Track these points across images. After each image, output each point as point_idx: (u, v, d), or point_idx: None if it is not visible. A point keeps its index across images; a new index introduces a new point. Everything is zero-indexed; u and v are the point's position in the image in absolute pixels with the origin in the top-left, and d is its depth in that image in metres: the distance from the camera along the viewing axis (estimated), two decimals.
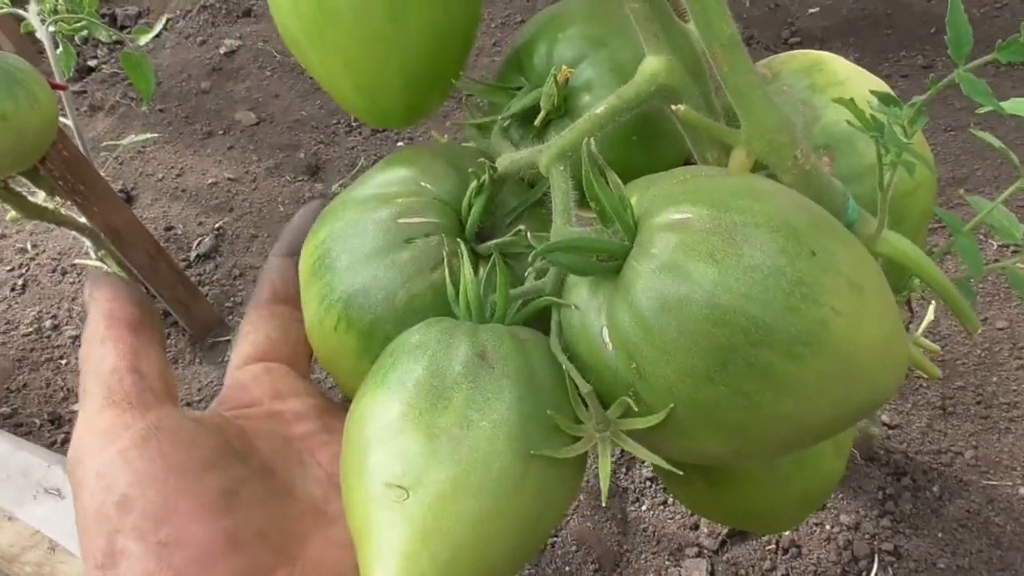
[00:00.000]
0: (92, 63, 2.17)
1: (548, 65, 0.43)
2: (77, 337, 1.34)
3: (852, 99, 0.38)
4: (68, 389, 1.26)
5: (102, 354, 0.32)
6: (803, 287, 0.28)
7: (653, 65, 0.38)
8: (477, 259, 0.40)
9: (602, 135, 0.39)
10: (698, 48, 0.39)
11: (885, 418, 1.00)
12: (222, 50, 2.03)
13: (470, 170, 0.40)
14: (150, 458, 0.29)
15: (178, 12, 2.25)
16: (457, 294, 0.35)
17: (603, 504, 0.32)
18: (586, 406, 0.31)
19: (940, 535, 0.90)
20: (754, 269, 0.28)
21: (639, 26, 0.38)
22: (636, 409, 0.30)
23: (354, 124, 1.74)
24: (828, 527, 0.92)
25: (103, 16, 2.35)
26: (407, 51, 0.41)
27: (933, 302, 0.84)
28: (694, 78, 0.40)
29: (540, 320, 0.35)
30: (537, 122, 0.44)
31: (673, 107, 0.38)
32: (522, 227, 0.40)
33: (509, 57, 0.46)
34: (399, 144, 1.67)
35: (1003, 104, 0.56)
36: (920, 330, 0.77)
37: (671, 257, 0.29)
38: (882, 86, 0.51)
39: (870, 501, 0.93)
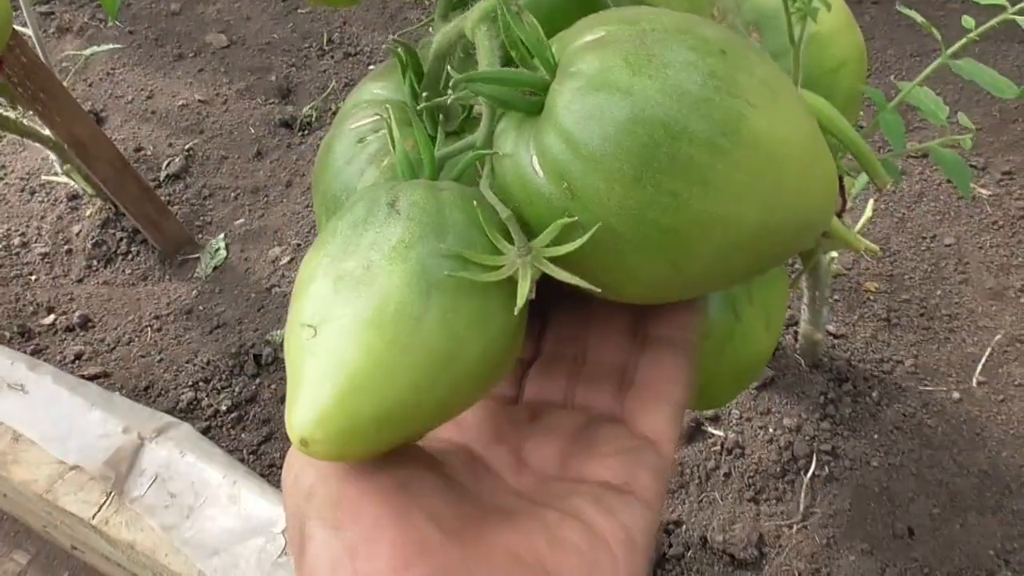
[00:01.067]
0: None
1: None
2: (46, 254, 1.36)
3: None
4: (37, 304, 1.27)
5: None
6: (715, 79, 0.29)
7: None
8: (432, 140, 0.43)
9: (530, 2, 0.41)
10: None
11: (831, 328, 1.03)
12: None
13: (385, 48, 0.42)
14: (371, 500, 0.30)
15: None
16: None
17: (515, 313, 0.33)
18: (509, 240, 0.32)
19: (876, 436, 0.94)
20: (666, 66, 0.29)
21: None
22: (570, 236, 0.30)
23: (326, 48, 1.74)
24: (771, 429, 0.96)
25: None
26: None
27: (872, 200, 0.86)
28: None
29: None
30: None
31: None
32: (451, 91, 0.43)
33: None
34: (370, 68, 1.67)
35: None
36: (858, 227, 0.79)
37: (589, 71, 0.30)
38: None
39: (812, 405, 0.97)
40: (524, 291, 0.31)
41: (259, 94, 1.64)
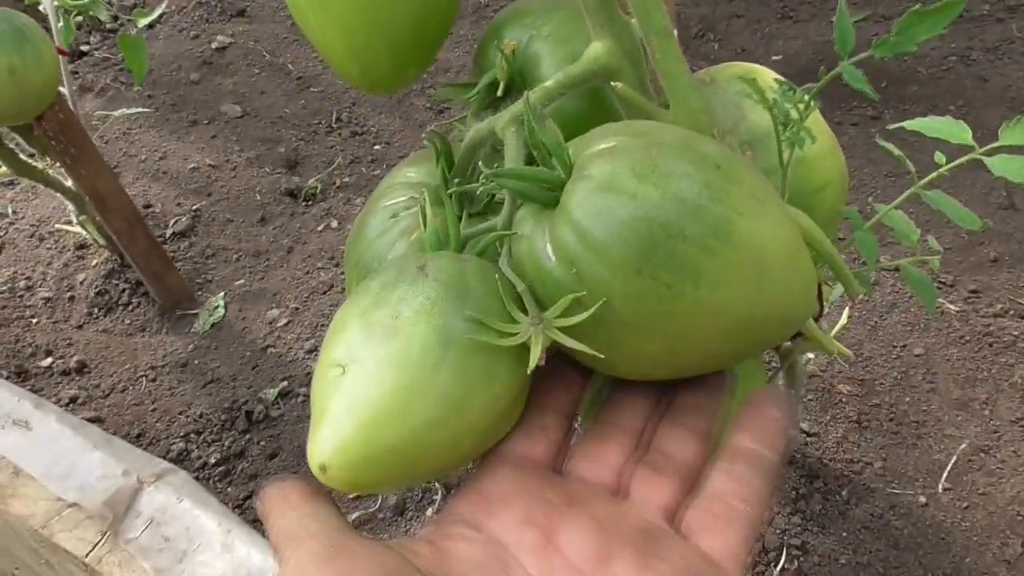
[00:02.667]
0: (84, 48, 2.22)
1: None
2: (49, 299, 1.39)
3: (754, 79, 0.46)
4: (36, 346, 1.30)
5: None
6: (710, 189, 0.34)
7: (597, 48, 0.46)
8: (458, 219, 0.49)
9: (554, 109, 0.47)
10: (637, 39, 0.47)
11: (805, 426, 1.08)
12: (214, 45, 2.09)
13: (423, 138, 0.49)
14: (326, 563, 0.30)
15: (174, 7, 2.31)
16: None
17: (528, 373, 0.37)
18: (523, 310, 0.36)
19: (845, 534, 0.97)
20: (667, 176, 0.34)
21: (588, 16, 0.45)
22: (576, 311, 0.34)
23: (334, 125, 1.81)
24: None
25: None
26: (395, 22, 0.49)
27: (847, 308, 0.92)
28: (632, 64, 0.47)
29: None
30: (499, 92, 0.53)
31: (612, 84, 0.46)
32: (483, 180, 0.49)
33: (475, 57, 0.54)
34: (376, 147, 1.74)
35: (907, 123, 0.64)
36: (833, 332, 0.85)
37: (600, 175, 0.35)
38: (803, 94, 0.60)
39: (784, 499, 1.00)
40: (536, 355, 0.35)
41: (267, 163, 1.71)
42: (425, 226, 0.43)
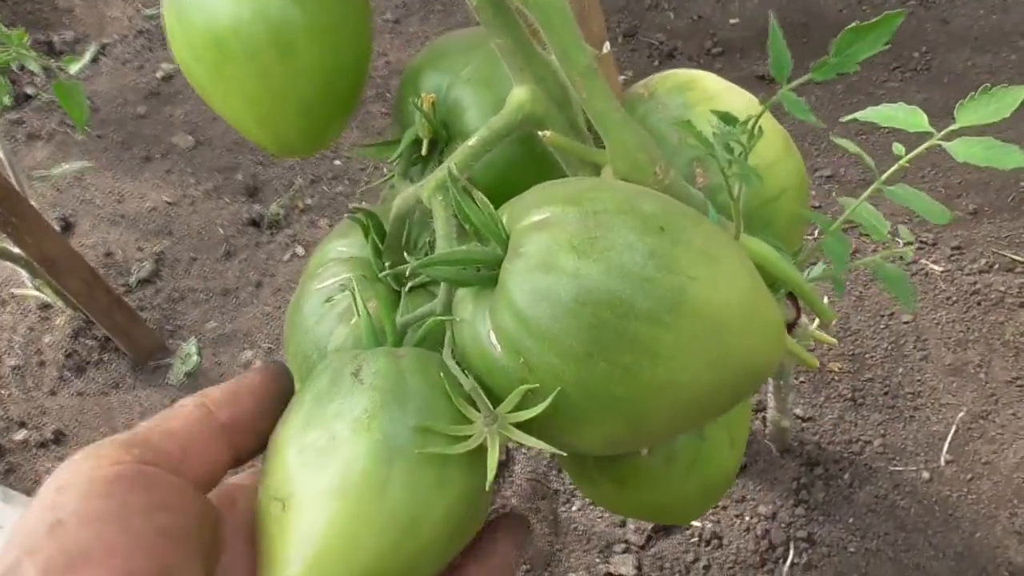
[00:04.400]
0: (30, 91, 2.16)
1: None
2: (17, 367, 1.35)
3: (689, 121, 0.43)
4: (9, 419, 1.26)
5: (183, 413, 0.33)
6: (656, 258, 0.31)
7: (520, 95, 0.42)
8: (397, 295, 0.45)
9: (485, 160, 0.43)
10: (562, 77, 0.43)
11: (799, 411, 1.05)
12: (159, 74, 2.03)
13: (346, 217, 0.45)
14: (109, 497, 0.28)
15: (115, 37, 2.25)
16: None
17: (487, 489, 0.34)
18: (475, 407, 0.33)
19: (851, 520, 0.95)
20: (608, 249, 0.31)
21: (505, 60, 0.42)
22: (530, 403, 0.32)
23: None
24: (747, 518, 0.97)
25: (40, 43, 2.34)
26: (300, 87, 0.45)
27: (826, 297, 0.89)
28: (559, 105, 0.44)
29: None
30: (424, 151, 0.49)
31: (540, 133, 0.42)
32: (413, 257, 0.45)
33: (394, 106, 0.51)
34: (336, 163, 1.70)
35: (859, 115, 0.61)
36: (816, 323, 0.82)
37: (536, 253, 0.32)
38: (751, 100, 0.56)
39: (785, 491, 0.98)
40: (494, 461, 0.32)
41: (226, 193, 1.66)
42: (359, 317, 0.40)
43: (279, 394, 0.36)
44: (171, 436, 0.32)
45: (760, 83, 1.58)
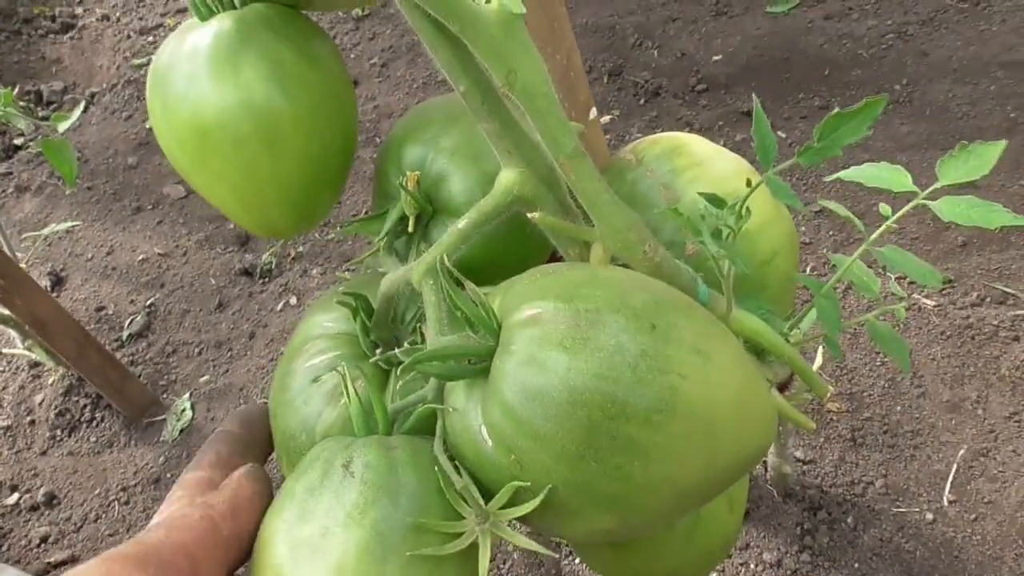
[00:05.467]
0: (18, 141, 2.16)
1: (401, 175, 0.47)
2: (8, 427, 1.34)
3: (675, 209, 0.43)
4: (0, 482, 1.25)
5: (189, 524, 0.34)
6: (647, 359, 0.31)
7: (508, 178, 0.42)
8: (387, 373, 0.44)
9: (475, 239, 0.43)
10: (549, 158, 0.43)
11: (799, 454, 1.05)
12: (148, 124, 2.04)
13: (335, 301, 0.44)
14: None
15: (104, 86, 2.26)
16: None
17: None
18: (466, 501, 0.33)
19: (856, 565, 0.94)
20: (600, 349, 0.31)
21: (492, 143, 0.42)
22: (521, 498, 0.32)
23: None
24: (752, 566, 0.96)
25: (28, 93, 2.34)
26: (285, 175, 0.45)
27: (821, 347, 0.89)
28: (548, 185, 0.43)
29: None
30: (411, 228, 0.49)
31: (529, 215, 0.42)
32: (410, 340, 0.45)
33: (375, 177, 0.50)
34: None
35: (843, 174, 0.61)
36: (815, 365, 0.82)
37: (528, 351, 0.31)
38: (739, 163, 0.56)
39: (790, 537, 0.97)
40: (485, 562, 0.32)
41: (218, 243, 1.66)
42: (350, 406, 0.39)
43: (268, 501, 0.36)
44: (180, 550, 0.32)
45: (746, 119, 1.59)
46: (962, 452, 1.01)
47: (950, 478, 0.99)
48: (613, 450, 0.30)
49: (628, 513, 0.32)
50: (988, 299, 1.15)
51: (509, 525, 0.33)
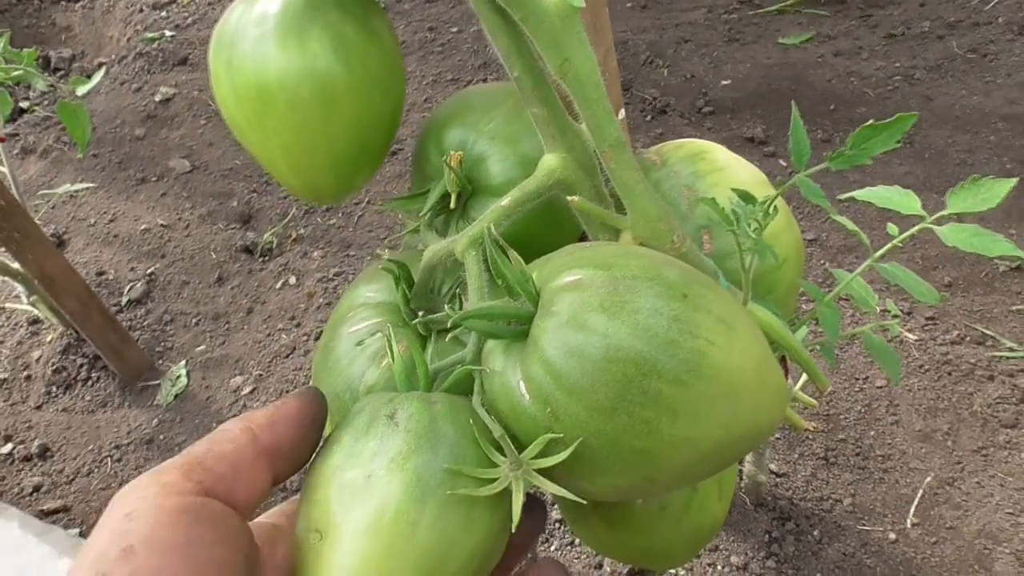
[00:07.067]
0: (24, 104, 2.18)
1: (443, 156, 0.51)
2: (4, 380, 1.35)
3: (714, 199, 0.47)
4: None
5: (231, 436, 0.35)
6: (679, 323, 0.34)
7: (551, 162, 0.45)
8: (425, 339, 0.48)
9: (514, 217, 0.47)
10: (590, 147, 0.46)
11: (774, 467, 1.09)
12: (157, 97, 2.06)
13: (380, 267, 0.47)
14: (176, 528, 0.30)
15: (113, 57, 2.28)
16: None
17: (511, 530, 0.36)
18: (500, 451, 0.36)
19: (819, 575, 0.98)
20: (636, 312, 0.34)
21: (539, 128, 0.45)
22: (553, 450, 0.34)
23: None
24: (719, 567, 0.99)
25: (36, 59, 2.36)
26: (335, 139, 0.49)
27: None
28: (586, 172, 0.47)
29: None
30: (452, 205, 0.52)
31: (568, 198, 0.46)
32: (449, 305, 0.48)
33: (414, 158, 0.54)
34: None
35: (857, 194, 0.65)
36: (798, 385, 0.86)
37: (569, 312, 0.35)
38: (757, 173, 0.60)
39: (757, 543, 1.01)
40: (518, 505, 0.35)
41: (220, 219, 1.69)
42: (394, 364, 0.42)
43: (315, 420, 0.39)
44: (223, 459, 0.34)
45: (748, 144, 1.63)
46: (929, 479, 1.05)
47: (915, 502, 1.03)
48: (644, 405, 0.33)
49: (651, 468, 0.35)
50: (968, 338, 1.20)
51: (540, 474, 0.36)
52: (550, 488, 0.35)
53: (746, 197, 0.44)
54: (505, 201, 0.45)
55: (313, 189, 0.52)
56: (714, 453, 0.36)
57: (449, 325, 0.39)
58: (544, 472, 0.35)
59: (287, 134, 0.48)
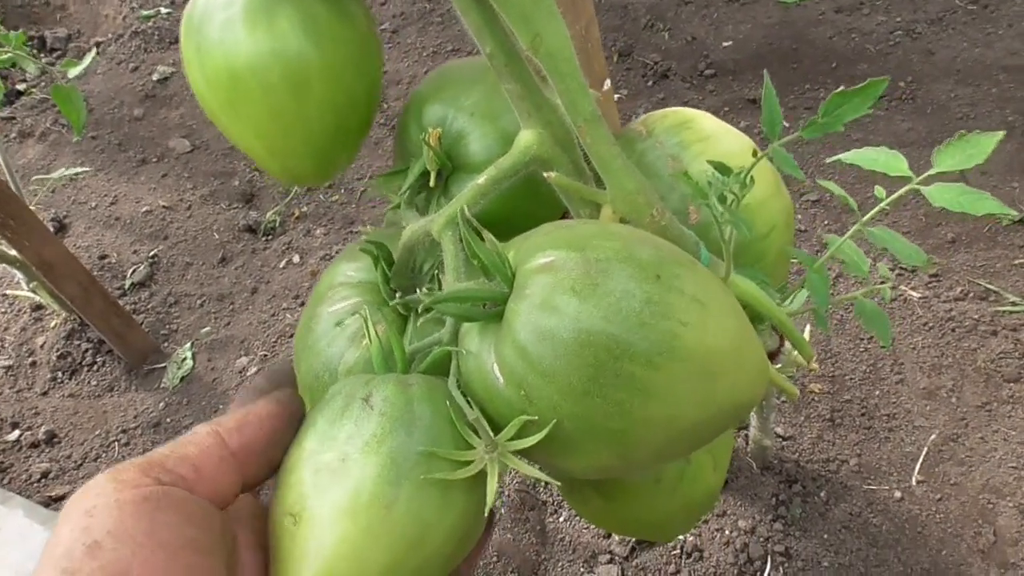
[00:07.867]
0: (21, 87, 2.17)
1: (423, 133, 0.50)
2: (10, 367, 1.36)
3: (686, 172, 0.46)
4: (1, 419, 1.28)
5: (196, 439, 0.35)
6: (651, 305, 0.33)
7: (527, 138, 0.45)
8: (405, 319, 0.48)
9: (492, 195, 0.46)
10: (567, 121, 0.46)
11: (780, 430, 1.09)
12: (155, 77, 2.05)
13: (359, 249, 0.47)
14: (139, 517, 0.30)
15: (109, 35, 2.26)
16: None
17: (486, 512, 0.36)
18: (476, 433, 0.35)
19: (825, 536, 0.99)
20: (608, 294, 0.33)
21: (514, 104, 0.44)
22: (528, 432, 0.34)
23: None
24: (727, 532, 1.00)
25: (31, 39, 2.35)
26: (310, 121, 0.48)
27: (808, 325, 0.93)
28: (564, 147, 0.46)
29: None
30: (432, 183, 0.52)
31: (545, 174, 0.45)
32: (427, 286, 0.48)
33: (396, 135, 0.53)
34: None
35: (844, 156, 0.64)
36: (794, 350, 0.85)
37: (541, 294, 0.34)
38: (744, 141, 0.59)
39: (764, 507, 1.01)
40: (494, 487, 0.35)
41: (223, 199, 1.68)
42: (371, 345, 0.42)
43: (289, 421, 0.38)
44: (184, 461, 0.34)
45: (751, 106, 1.61)
46: (933, 437, 1.05)
47: (920, 460, 1.03)
48: (616, 387, 0.33)
49: (626, 448, 0.35)
50: (971, 294, 1.19)
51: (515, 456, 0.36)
52: (525, 470, 0.35)
53: (721, 168, 0.43)
54: (481, 180, 0.44)
55: (292, 172, 0.51)
56: (691, 431, 0.35)
57: (419, 309, 0.39)
58: (520, 453, 0.35)
59: (261, 119, 0.48)
